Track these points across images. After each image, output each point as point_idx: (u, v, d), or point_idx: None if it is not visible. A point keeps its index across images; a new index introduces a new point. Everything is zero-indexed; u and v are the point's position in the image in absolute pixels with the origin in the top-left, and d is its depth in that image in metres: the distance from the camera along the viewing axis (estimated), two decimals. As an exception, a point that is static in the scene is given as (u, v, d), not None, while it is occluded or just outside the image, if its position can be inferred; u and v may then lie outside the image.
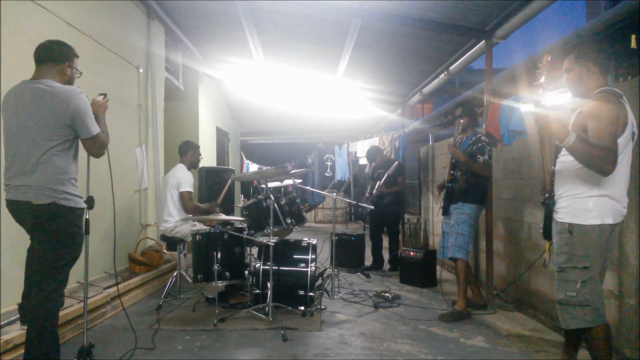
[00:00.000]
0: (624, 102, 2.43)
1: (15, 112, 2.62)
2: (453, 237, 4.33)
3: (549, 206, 2.73)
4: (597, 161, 2.32)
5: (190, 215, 4.92)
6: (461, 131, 4.54)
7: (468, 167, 4.32)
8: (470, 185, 4.37)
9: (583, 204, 2.47)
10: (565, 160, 2.57)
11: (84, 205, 2.74)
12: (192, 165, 5.17)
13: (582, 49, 2.61)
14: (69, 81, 2.80)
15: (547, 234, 2.84)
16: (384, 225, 6.97)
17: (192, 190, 4.95)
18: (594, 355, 2.53)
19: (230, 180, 5.64)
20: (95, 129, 2.70)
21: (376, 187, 6.62)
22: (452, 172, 4.49)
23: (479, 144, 4.36)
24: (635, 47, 4.79)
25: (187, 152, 5.14)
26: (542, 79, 2.56)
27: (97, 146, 2.74)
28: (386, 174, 6.54)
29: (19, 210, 2.62)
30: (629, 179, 2.52)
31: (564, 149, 2.49)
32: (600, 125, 2.36)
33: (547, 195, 2.75)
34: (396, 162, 6.82)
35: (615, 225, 2.50)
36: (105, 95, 2.95)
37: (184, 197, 4.88)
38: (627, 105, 2.44)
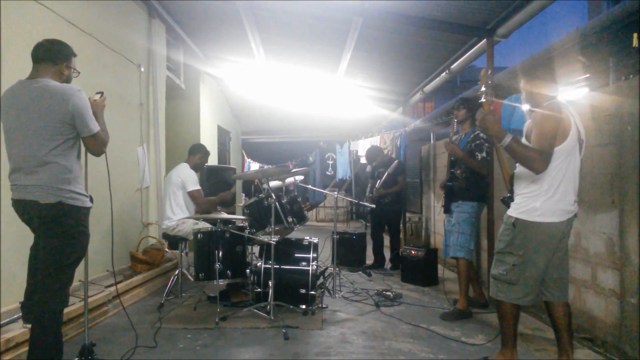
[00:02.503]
0: (568, 112, 2.75)
1: (16, 112, 2.62)
2: (454, 236, 4.33)
3: (508, 205, 3.00)
4: (529, 160, 2.69)
5: (192, 214, 4.93)
6: (459, 123, 4.54)
7: (467, 164, 4.32)
8: (470, 183, 4.37)
9: (532, 203, 2.78)
10: None
11: (90, 205, 2.75)
12: (196, 167, 5.18)
13: (530, 72, 2.97)
14: (67, 81, 2.79)
15: None
16: (384, 224, 6.97)
17: (200, 188, 4.97)
18: (500, 323, 3.00)
19: (234, 187, 5.65)
20: (95, 127, 2.70)
21: (376, 186, 6.62)
22: (451, 170, 4.49)
23: (477, 141, 4.36)
24: (636, 45, 4.78)
25: (196, 153, 5.18)
26: (482, 88, 2.97)
27: (97, 144, 2.74)
28: (386, 173, 6.54)
29: (26, 209, 2.63)
30: (577, 180, 2.81)
31: None
32: (539, 132, 2.71)
33: (507, 195, 3.04)
34: (396, 161, 6.82)
35: (565, 222, 2.77)
36: (102, 93, 2.94)
37: (194, 197, 4.89)
38: (571, 116, 2.76)
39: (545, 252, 2.79)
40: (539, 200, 2.75)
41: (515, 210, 2.86)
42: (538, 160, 2.66)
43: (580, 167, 2.84)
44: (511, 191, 2.99)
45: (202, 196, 4.95)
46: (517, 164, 2.91)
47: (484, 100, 2.94)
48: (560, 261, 2.89)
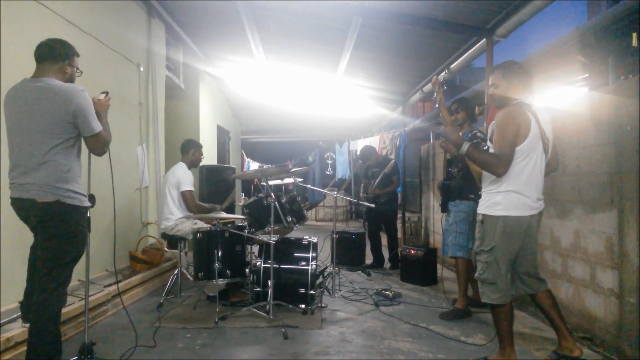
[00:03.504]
0: (529, 113, 2.81)
1: (18, 110, 2.62)
2: (452, 236, 4.33)
3: (476, 201, 3.11)
4: (488, 165, 2.81)
5: (191, 214, 4.93)
6: (459, 127, 4.54)
7: (463, 163, 4.32)
8: (467, 182, 4.37)
9: (493, 198, 2.90)
10: None
11: (88, 204, 2.75)
12: (193, 164, 5.17)
13: (508, 66, 2.97)
14: (70, 80, 2.80)
15: None
16: (381, 224, 6.98)
17: (193, 189, 4.95)
18: (497, 328, 2.99)
19: (233, 192, 5.63)
20: (97, 126, 2.70)
21: (373, 185, 6.62)
22: (448, 169, 4.49)
23: (475, 141, 4.35)
24: (636, 45, 4.79)
25: (188, 150, 5.15)
26: (435, 95, 3.16)
27: (99, 144, 2.75)
28: (382, 173, 6.54)
29: (24, 208, 2.63)
30: (539, 178, 2.88)
31: None
32: (499, 135, 2.80)
33: (478, 192, 3.15)
34: (392, 161, 6.83)
35: (528, 217, 2.86)
36: (107, 93, 2.95)
37: (185, 196, 4.88)
38: (532, 115, 2.82)
39: (509, 245, 2.88)
40: (499, 195, 2.87)
41: (481, 207, 2.99)
42: (497, 165, 2.77)
43: (544, 165, 2.91)
44: (479, 189, 3.12)
45: (193, 198, 4.91)
46: None
47: (438, 105, 3.10)
48: (530, 256, 3.01)
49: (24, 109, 2.61)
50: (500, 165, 2.77)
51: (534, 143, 2.82)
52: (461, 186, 4.38)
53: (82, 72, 2.92)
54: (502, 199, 2.84)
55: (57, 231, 2.61)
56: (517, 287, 3.06)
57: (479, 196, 4.47)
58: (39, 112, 2.58)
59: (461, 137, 2.97)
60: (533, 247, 3.02)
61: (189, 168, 5.10)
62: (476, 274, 3.00)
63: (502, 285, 2.89)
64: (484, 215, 2.94)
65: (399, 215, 7.94)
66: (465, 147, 2.85)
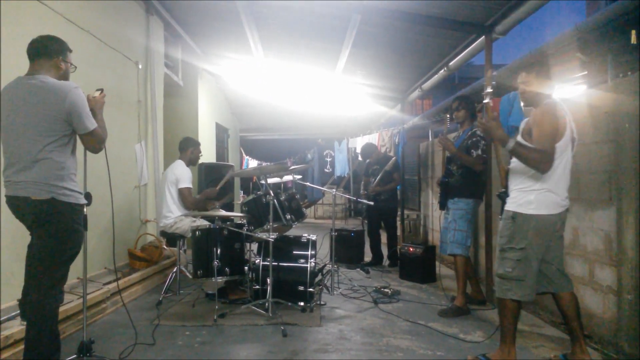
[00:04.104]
0: (563, 111, 2.85)
1: (12, 108, 2.61)
2: (451, 234, 4.34)
3: (503, 199, 3.09)
4: (534, 161, 2.79)
5: (190, 211, 4.93)
6: (459, 125, 4.55)
7: (461, 160, 4.33)
8: (466, 179, 4.38)
9: (526, 197, 2.89)
10: (515, 160, 2.97)
11: (84, 201, 2.74)
12: (191, 162, 5.17)
13: (542, 67, 3.02)
14: (64, 75, 2.78)
15: None
16: (381, 221, 6.98)
17: (191, 187, 4.95)
18: (501, 322, 2.99)
19: (229, 174, 5.61)
20: (91, 124, 2.69)
21: (374, 183, 6.62)
22: (447, 166, 4.50)
23: (474, 138, 4.37)
24: (635, 42, 4.78)
25: (187, 148, 5.14)
26: (489, 89, 3.14)
27: (94, 142, 2.74)
28: (383, 170, 6.54)
29: (19, 206, 2.62)
30: (569, 177, 2.91)
31: None
32: (541, 131, 2.80)
33: (502, 190, 3.17)
34: (394, 158, 6.83)
35: (557, 215, 2.88)
36: (102, 90, 2.93)
37: (183, 194, 4.88)
38: (566, 114, 2.85)
39: (540, 243, 2.88)
40: (533, 194, 2.86)
41: (512, 204, 2.95)
42: (543, 161, 2.76)
43: (571, 163, 2.93)
44: (506, 186, 3.10)
45: (189, 195, 4.91)
46: (512, 160, 3.00)
47: (488, 101, 3.02)
48: (558, 253, 3.01)
49: (18, 106, 2.60)
50: (546, 161, 2.77)
51: (568, 141, 2.85)
52: (460, 184, 4.38)
53: (76, 67, 2.90)
54: (535, 198, 2.85)
55: (53, 229, 2.60)
56: (542, 285, 3.03)
57: (480, 194, 4.50)
58: (33, 109, 2.57)
59: (507, 134, 2.92)
60: (560, 244, 3.03)
61: (188, 166, 5.09)
62: (501, 271, 2.95)
63: (531, 282, 2.89)
64: (515, 212, 2.91)
65: (398, 213, 7.94)
66: (512, 143, 2.81)
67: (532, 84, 2.97)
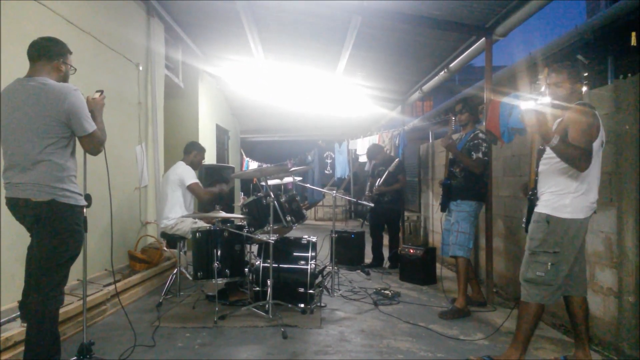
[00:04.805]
0: (597, 114, 2.83)
1: (12, 110, 2.61)
2: (454, 235, 4.33)
3: (533, 202, 3.04)
4: (575, 159, 2.70)
5: (190, 213, 4.93)
6: (461, 127, 4.55)
7: (461, 162, 4.33)
8: (468, 181, 4.37)
9: (561, 200, 2.84)
10: (548, 162, 2.94)
11: (84, 203, 2.74)
12: (193, 165, 5.17)
13: (575, 69, 2.96)
14: (64, 77, 2.79)
15: (528, 228, 3.09)
16: (384, 223, 6.97)
17: (198, 181, 4.97)
18: (520, 325, 2.94)
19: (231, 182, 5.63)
20: (91, 126, 2.69)
21: (376, 184, 6.62)
22: (450, 169, 4.49)
23: (475, 141, 4.36)
24: (635, 44, 4.79)
25: (191, 151, 5.17)
26: (543, 88, 3.00)
27: (93, 144, 2.73)
28: (387, 172, 6.53)
29: (19, 207, 2.62)
30: (599, 178, 2.89)
31: (546, 153, 2.94)
32: (579, 130, 2.74)
33: (531, 192, 3.09)
34: (397, 160, 6.82)
35: (588, 218, 2.88)
36: (101, 92, 2.93)
37: (193, 189, 4.89)
38: (599, 118, 2.83)
39: (575, 248, 2.87)
40: (569, 197, 2.82)
41: (546, 208, 2.89)
42: (583, 159, 2.68)
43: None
44: (534, 189, 3.04)
45: (200, 188, 4.95)
46: (542, 162, 2.98)
47: (540, 100, 2.91)
48: (581, 255, 3.01)
49: (18, 108, 2.60)
50: (586, 159, 2.68)
51: (599, 145, 2.82)
52: (463, 186, 4.38)
53: (76, 69, 2.90)
54: (571, 202, 2.81)
55: (53, 231, 2.60)
56: (566, 288, 2.98)
57: (482, 197, 4.49)
58: (33, 111, 2.57)
59: (552, 130, 2.79)
60: (584, 245, 3.03)
61: (188, 167, 5.10)
62: (531, 275, 2.89)
63: (558, 286, 2.87)
64: (549, 215, 2.85)
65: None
66: (556, 140, 2.69)
67: (564, 88, 2.92)
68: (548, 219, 2.85)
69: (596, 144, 2.78)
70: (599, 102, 3.50)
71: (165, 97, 6.61)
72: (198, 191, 4.93)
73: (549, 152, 2.88)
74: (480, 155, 4.32)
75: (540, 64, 5.49)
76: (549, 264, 2.83)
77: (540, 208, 2.93)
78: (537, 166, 3.05)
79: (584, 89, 3.08)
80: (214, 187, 5.32)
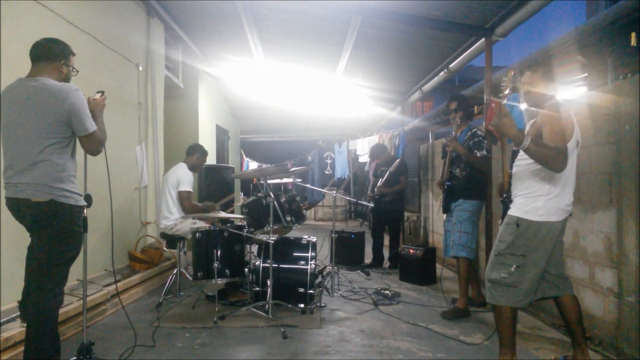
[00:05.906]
0: (572, 114, 2.81)
1: (12, 110, 2.62)
2: (456, 236, 4.31)
3: (507, 204, 3.01)
4: (550, 160, 2.64)
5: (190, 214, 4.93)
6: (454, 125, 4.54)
7: (469, 160, 4.30)
8: (470, 181, 4.36)
9: (533, 203, 2.80)
10: (521, 164, 2.90)
11: (84, 203, 2.74)
12: (194, 167, 5.18)
13: (548, 67, 2.97)
14: (66, 79, 2.79)
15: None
16: (385, 223, 6.97)
17: (191, 190, 4.95)
18: (498, 328, 2.95)
19: (231, 197, 5.61)
20: (91, 126, 2.69)
21: (378, 185, 6.61)
22: (450, 169, 4.47)
23: (476, 139, 4.34)
24: (635, 44, 4.79)
25: (194, 154, 5.17)
26: (507, 91, 2.95)
27: (94, 144, 2.73)
28: (388, 172, 6.53)
29: (19, 207, 2.62)
30: (574, 180, 2.86)
31: (519, 155, 2.90)
32: (553, 130, 2.71)
33: (505, 195, 3.08)
34: (398, 160, 6.81)
35: (562, 221, 2.83)
36: (102, 92, 2.94)
37: (182, 197, 4.88)
38: (573, 117, 2.80)
39: (545, 251, 2.82)
40: (541, 200, 2.78)
41: (517, 210, 2.86)
42: (559, 159, 2.63)
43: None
44: (508, 191, 3.02)
45: (188, 199, 4.90)
46: (516, 164, 2.94)
47: (505, 102, 2.90)
48: (558, 258, 2.97)
49: (19, 108, 2.60)
50: (562, 159, 2.63)
51: (574, 145, 2.78)
52: (465, 186, 4.37)
53: (77, 71, 2.90)
54: (544, 204, 2.77)
55: (53, 231, 2.60)
56: (543, 290, 2.96)
57: (484, 196, 4.48)
58: (33, 111, 2.58)
59: (522, 132, 2.77)
60: (560, 249, 2.99)
61: (189, 170, 5.10)
62: (495, 276, 2.87)
63: (525, 289, 2.83)
64: (520, 218, 2.81)
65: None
66: (527, 141, 2.63)
67: (537, 84, 2.91)
68: (518, 222, 2.81)
69: (571, 144, 2.74)
70: (599, 102, 3.51)
71: (165, 98, 6.61)
72: (185, 201, 4.89)
73: (521, 154, 2.85)
74: (484, 152, 4.31)
75: (539, 65, 5.48)
76: (514, 266, 2.80)
77: (512, 211, 2.90)
78: (511, 167, 3.02)
79: (584, 89, 3.08)
80: (206, 201, 5.31)
